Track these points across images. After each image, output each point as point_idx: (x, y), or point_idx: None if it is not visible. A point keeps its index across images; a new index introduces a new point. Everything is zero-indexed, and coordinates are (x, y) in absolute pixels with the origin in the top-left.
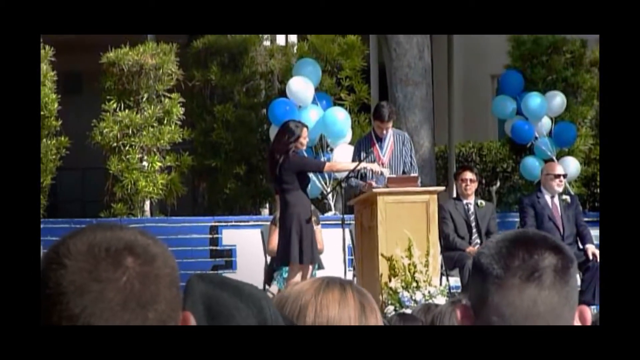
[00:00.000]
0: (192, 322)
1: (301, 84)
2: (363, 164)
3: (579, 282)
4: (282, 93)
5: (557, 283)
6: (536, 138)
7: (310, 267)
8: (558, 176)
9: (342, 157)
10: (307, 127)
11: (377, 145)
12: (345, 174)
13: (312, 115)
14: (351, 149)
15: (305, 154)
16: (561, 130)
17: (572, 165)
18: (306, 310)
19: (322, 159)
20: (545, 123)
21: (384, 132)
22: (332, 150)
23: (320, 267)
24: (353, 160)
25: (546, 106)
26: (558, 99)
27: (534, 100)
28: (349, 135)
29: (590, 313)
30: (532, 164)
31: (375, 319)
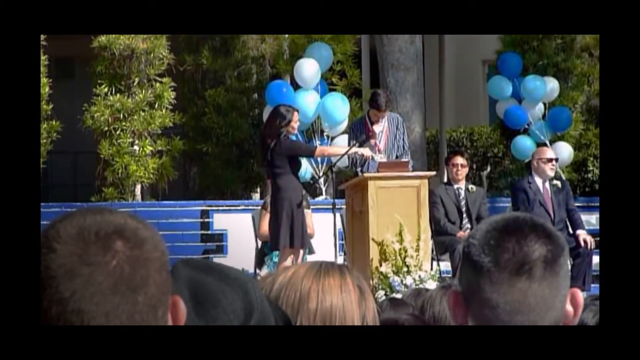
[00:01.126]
0: (182, 306)
1: (310, 65)
2: (354, 149)
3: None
4: (274, 77)
5: (547, 274)
6: (529, 124)
7: (301, 251)
8: (550, 160)
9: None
10: (298, 111)
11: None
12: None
13: (309, 98)
14: None
15: (300, 138)
16: (556, 114)
17: (564, 151)
18: (308, 297)
19: (316, 144)
20: (538, 108)
21: (380, 119)
22: (328, 136)
23: (311, 251)
24: (348, 143)
25: (545, 89)
26: (551, 85)
27: (533, 82)
28: (345, 122)
29: (581, 295)
30: (524, 143)
31: (372, 303)
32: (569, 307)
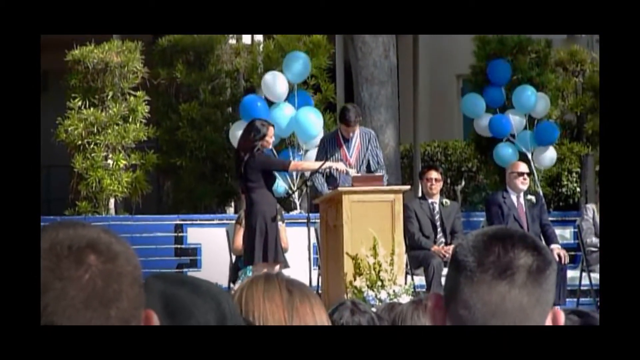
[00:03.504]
0: (155, 320)
1: (276, 79)
2: (328, 163)
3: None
4: (248, 91)
5: (529, 283)
6: (512, 134)
7: (277, 266)
8: (522, 174)
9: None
10: (273, 125)
11: (344, 146)
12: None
13: (286, 112)
14: None
15: (272, 153)
16: (544, 128)
17: (546, 156)
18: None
19: (290, 158)
20: (520, 119)
21: (351, 134)
22: (305, 150)
23: (286, 266)
24: (318, 158)
25: (535, 99)
26: (542, 101)
27: (524, 91)
28: (319, 136)
29: (563, 317)
30: (505, 151)
31: (310, 307)
32: None
